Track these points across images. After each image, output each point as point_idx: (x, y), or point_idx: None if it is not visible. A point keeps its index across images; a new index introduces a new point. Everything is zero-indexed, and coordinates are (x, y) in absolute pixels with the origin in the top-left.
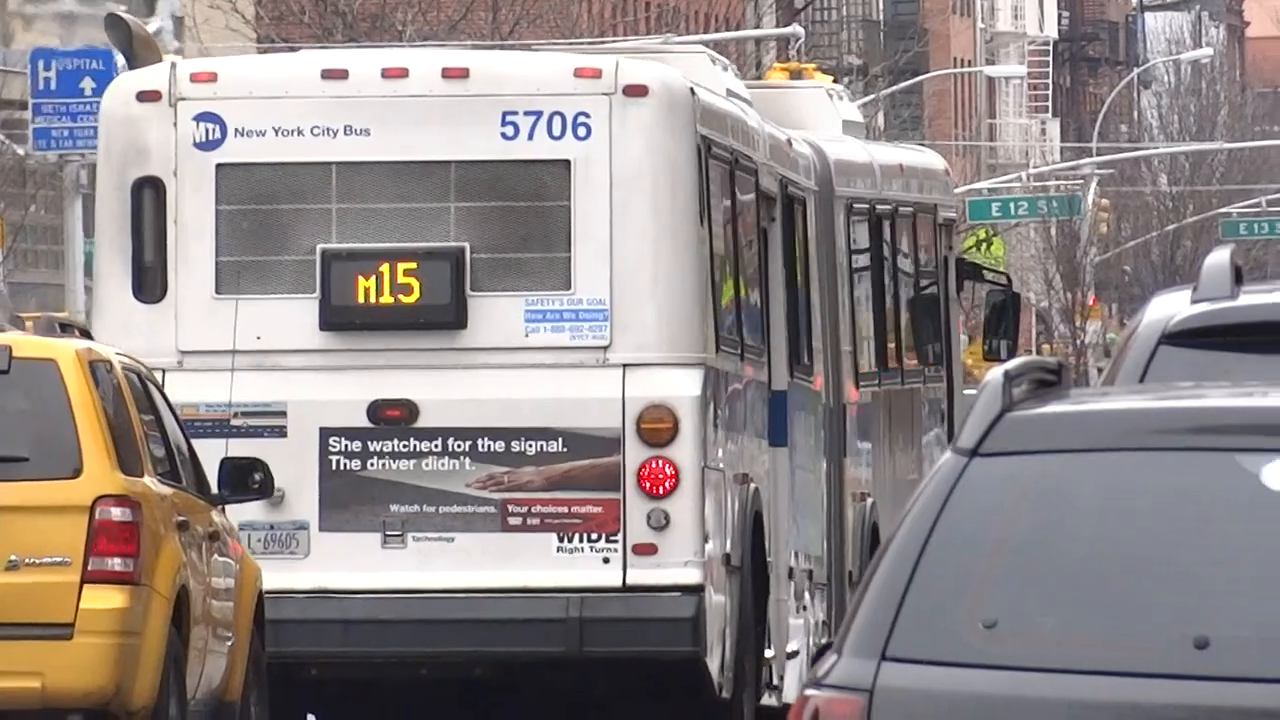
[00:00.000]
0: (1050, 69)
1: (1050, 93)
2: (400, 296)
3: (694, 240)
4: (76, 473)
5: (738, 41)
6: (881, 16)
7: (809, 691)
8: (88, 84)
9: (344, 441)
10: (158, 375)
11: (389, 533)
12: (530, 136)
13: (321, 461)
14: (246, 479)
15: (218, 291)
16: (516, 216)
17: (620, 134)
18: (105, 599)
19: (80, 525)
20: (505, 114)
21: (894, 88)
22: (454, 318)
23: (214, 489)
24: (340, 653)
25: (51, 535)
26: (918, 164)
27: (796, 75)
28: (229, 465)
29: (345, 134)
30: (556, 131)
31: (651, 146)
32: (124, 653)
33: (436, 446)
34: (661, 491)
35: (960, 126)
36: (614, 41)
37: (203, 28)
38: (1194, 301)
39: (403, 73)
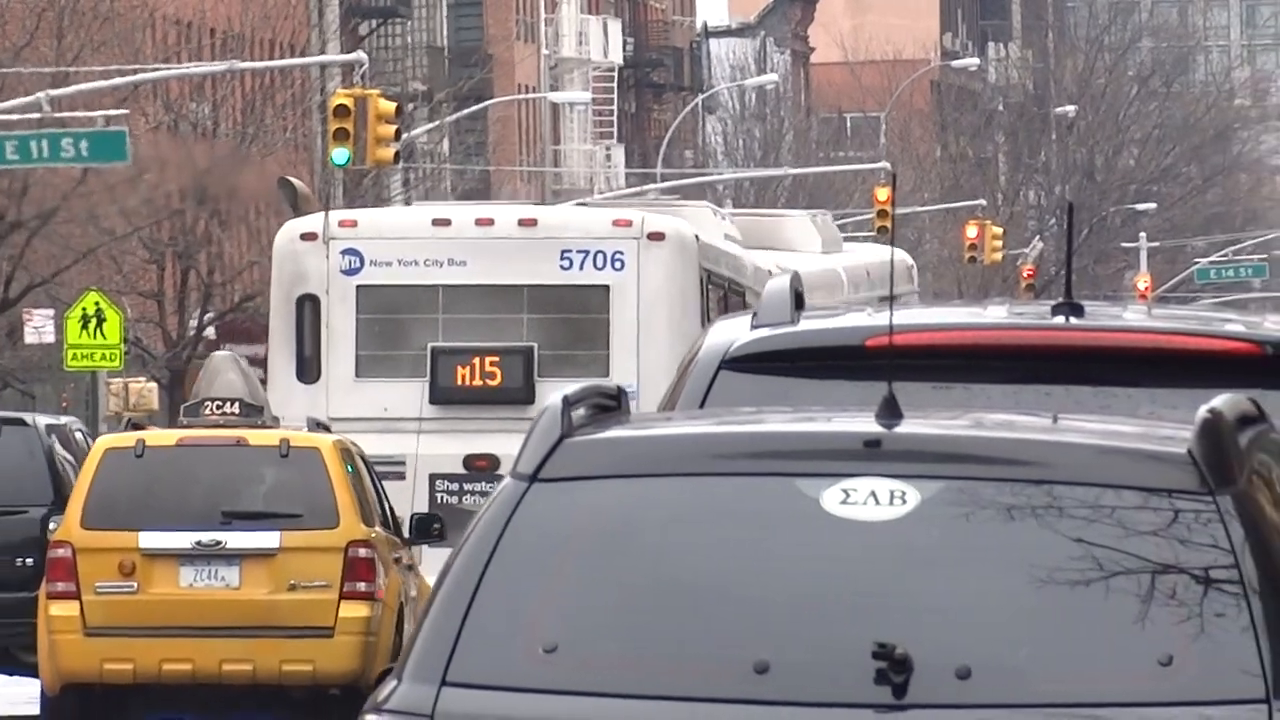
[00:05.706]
0: (615, 95)
1: (615, 119)
2: (487, 380)
3: None
4: (335, 525)
5: (302, 68)
6: (446, 43)
7: (368, 717)
8: None
9: (446, 483)
10: None
11: None
12: (580, 268)
13: (430, 497)
14: (429, 527)
15: (357, 376)
16: (570, 325)
17: (645, 267)
18: (355, 610)
19: (338, 560)
20: (563, 251)
21: (459, 114)
22: (525, 396)
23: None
24: None
25: (318, 567)
26: (882, 262)
27: (361, 101)
28: (416, 518)
29: (448, 265)
30: (599, 265)
31: (668, 276)
32: (368, 647)
33: None
34: None
35: (525, 152)
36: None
37: None
38: (754, 327)
39: (490, 221)
